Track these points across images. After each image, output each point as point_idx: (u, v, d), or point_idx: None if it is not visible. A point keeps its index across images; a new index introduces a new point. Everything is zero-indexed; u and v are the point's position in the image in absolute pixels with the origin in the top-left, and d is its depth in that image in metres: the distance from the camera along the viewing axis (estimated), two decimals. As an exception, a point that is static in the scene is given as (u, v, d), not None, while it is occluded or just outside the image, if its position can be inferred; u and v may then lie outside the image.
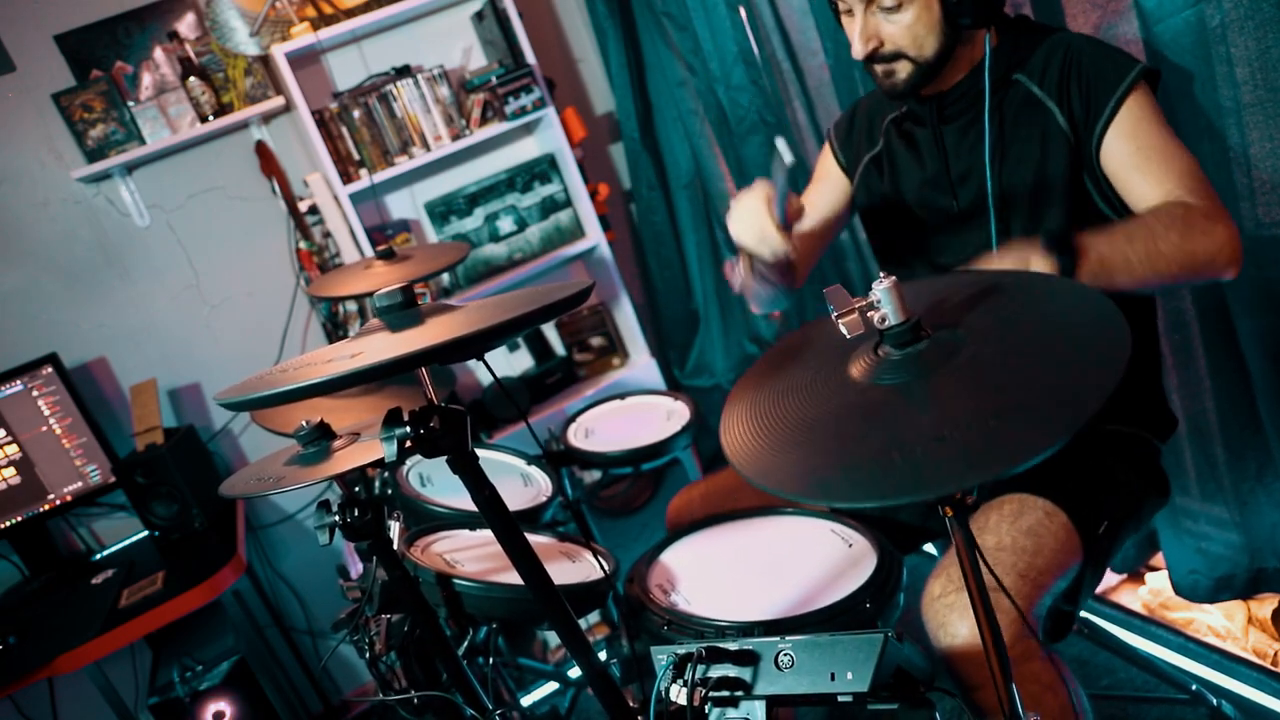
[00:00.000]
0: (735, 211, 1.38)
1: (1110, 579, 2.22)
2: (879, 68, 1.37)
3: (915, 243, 1.56)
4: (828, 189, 1.70)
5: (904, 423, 0.85)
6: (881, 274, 0.91)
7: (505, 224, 3.06)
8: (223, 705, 2.21)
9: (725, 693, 0.98)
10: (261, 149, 2.80)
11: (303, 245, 2.83)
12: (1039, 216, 1.39)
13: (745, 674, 0.98)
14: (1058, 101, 1.34)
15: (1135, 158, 1.28)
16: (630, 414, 2.12)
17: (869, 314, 0.92)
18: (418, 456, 0.94)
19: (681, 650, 1.00)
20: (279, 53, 2.60)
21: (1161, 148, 1.27)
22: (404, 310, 1.00)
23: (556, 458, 1.93)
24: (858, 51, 1.35)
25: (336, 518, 1.21)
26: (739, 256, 1.49)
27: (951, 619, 1.19)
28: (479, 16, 2.93)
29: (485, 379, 3.10)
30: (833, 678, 0.93)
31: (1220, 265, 1.21)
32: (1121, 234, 1.20)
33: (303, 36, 2.65)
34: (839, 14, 1.40)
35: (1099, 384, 0.78)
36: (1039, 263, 1.16)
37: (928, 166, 1.49)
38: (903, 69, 1.36)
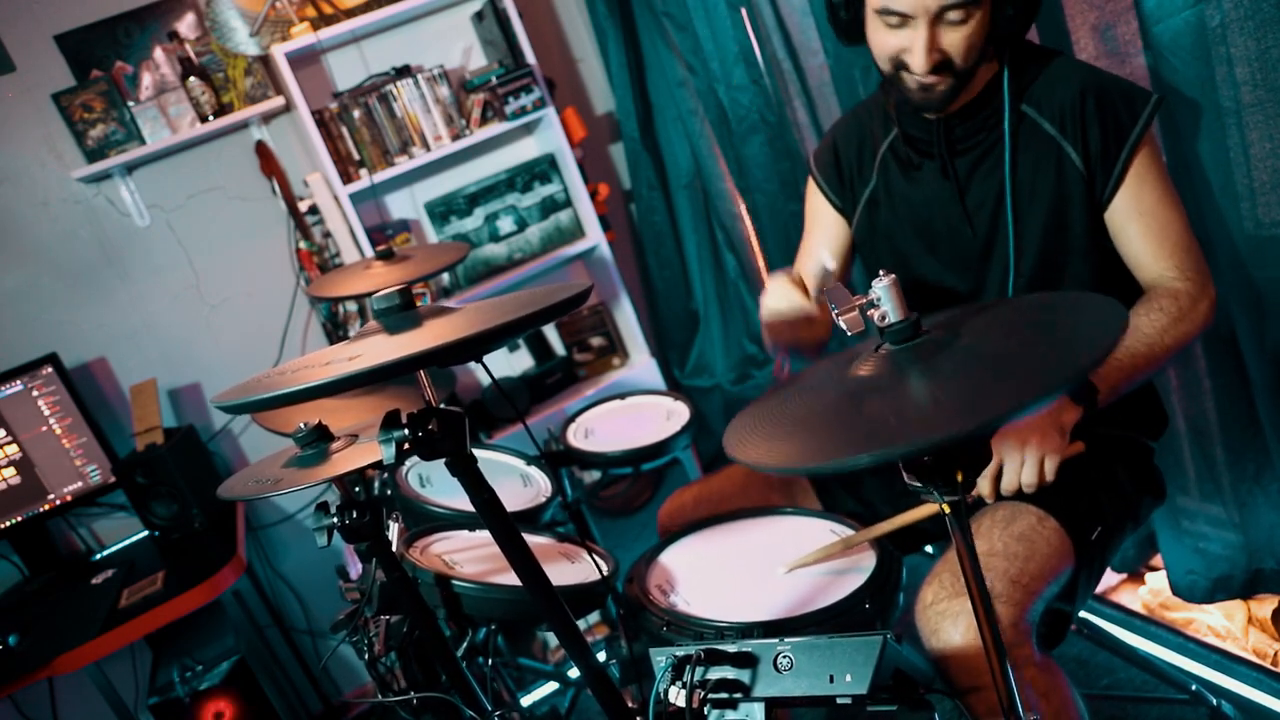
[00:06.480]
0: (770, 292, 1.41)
1: (1110, 579, 2.22)
2: (922, 79, 1.29)
3: (922, 279, 1.52)
4: (826, 233, 1.65)
5: (902, 397, 0.85)
6: (881, 271, 0.91)
7: (505, 224, 3.06)
8: (223, 705, 2.21)
9: (724, 695, 0.98)
10: (261, 149, 2.79)
11: (303, 245, 2.83)
12: (1063, 262, 1.39)
13: (744, 676, 0.98)
14: (1072, 141, 1.34)
15: (1138, 225, 1.33)
16: (630, 414, 2.12)
17: (869, 312, 0.92)
18: (417, 457, 0.94)
19: (680, 652, 1.00)
20: (279, 53, 2.60)
21: (1162, 216, 1.32)
22: (402, 312, 1.00)
23: (556, 458, 1.93)
24: (922, 65, 1.26)
25: (334, 520, 1.21)
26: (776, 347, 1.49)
27: (944, 625, 1.19)
28: (479, 16, 2.93)
29: (486, 379, 3.10)
30: (831, 680, 0.93)
31: (1204, 329, 1.32)
32: (1125, 354, 1.25)
33: (303, 36, 2.65)
34: (874, 22, 1.31)
35: (1099, 343, 0.79)
36: (1069, 416, 1.24)
37: (937, 197, 1.45)
38: (944, 82, 1.30)
